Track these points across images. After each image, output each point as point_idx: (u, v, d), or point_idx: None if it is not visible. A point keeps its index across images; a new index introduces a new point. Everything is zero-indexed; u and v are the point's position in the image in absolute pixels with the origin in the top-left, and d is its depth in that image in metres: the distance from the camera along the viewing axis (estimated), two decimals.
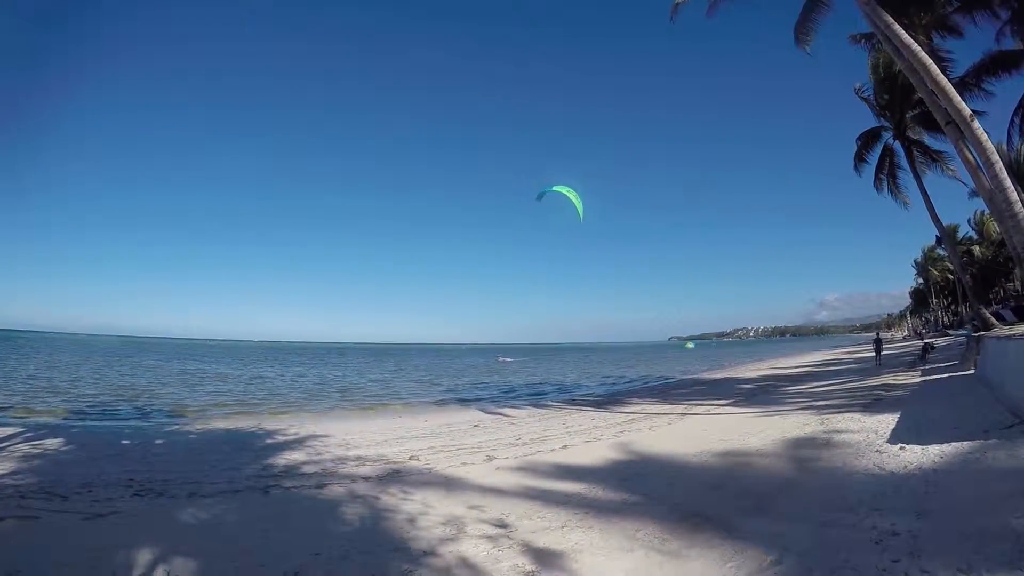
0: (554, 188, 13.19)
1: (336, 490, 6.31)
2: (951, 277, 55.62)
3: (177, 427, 12.65)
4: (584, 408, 15.56)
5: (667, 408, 14.30)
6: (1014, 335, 9.86)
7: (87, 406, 16.79)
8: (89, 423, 13.61)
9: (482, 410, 15.98)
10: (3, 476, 6.89)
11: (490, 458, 8.18)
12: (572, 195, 13.18)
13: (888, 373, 18.45)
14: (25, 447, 8.98)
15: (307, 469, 7.55)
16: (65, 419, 14.00)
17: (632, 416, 13.06)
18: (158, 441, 10.26)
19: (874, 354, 24.68)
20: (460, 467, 7.60)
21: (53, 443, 9.40)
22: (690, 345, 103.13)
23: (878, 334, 31.22)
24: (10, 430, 10.67)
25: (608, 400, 17.98)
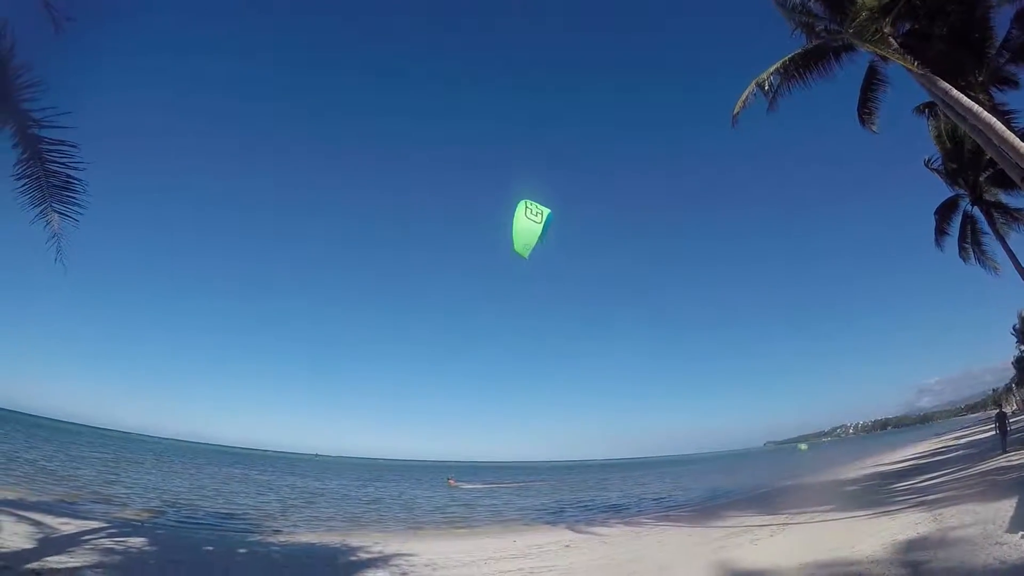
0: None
1: None
2: None
3: (260, 538, 12.37)
4: (679, 523, 14.73)
5: (767, 519, 13.25)
6: None
7: (172, 508, 16.61)
8: (172, 525, 13.46)
9: (571, 529, 15.27)
10: (85, 567, 7.01)
11: None
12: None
13: (1001, 455, 16.80)
14: (107, 542, 8.91)
15: None
16: (151, 519, 13.88)
17: (730, 530, 12.23)
18: (240, 551, 10.11)
19: (997, 433, 20.80)
20: None
21: (136, 542, 9.28)
22: (803, 447, 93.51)
23: (1001, 409, 27.83)
24: (96, 523, 10.70)
25: (703, 513, 16.91)
